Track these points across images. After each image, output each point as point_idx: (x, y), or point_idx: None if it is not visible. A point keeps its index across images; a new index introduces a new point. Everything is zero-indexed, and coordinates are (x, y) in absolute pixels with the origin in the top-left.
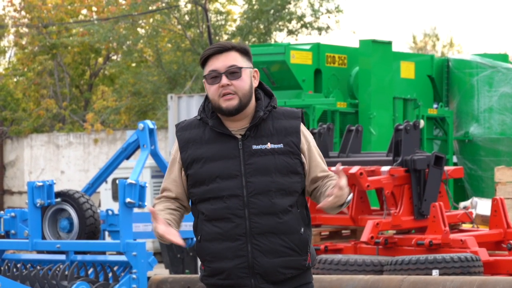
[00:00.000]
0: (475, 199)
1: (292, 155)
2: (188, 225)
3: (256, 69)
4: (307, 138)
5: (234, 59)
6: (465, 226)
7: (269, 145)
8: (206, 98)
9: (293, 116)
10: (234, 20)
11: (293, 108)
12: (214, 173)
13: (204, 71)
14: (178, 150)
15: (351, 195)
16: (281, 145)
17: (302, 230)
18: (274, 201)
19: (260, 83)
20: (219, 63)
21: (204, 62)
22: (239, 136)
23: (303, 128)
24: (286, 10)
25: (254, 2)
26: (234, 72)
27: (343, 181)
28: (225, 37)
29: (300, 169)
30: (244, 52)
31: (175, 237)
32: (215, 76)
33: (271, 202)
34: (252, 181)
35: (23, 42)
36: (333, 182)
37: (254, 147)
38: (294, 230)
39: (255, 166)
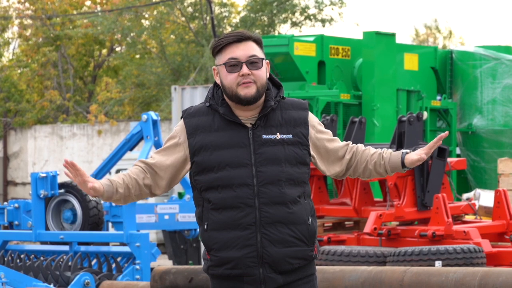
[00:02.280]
0: (478, 190)
1: (301, 145)
2: (190, 216)
3: (268, 60)
4: (317, 128)
5: (253, 48)
6: (468, 217)
7: (278, 135)
8: (215, 85)
9: (301, 107)
10: (238, 12)
11: (299, 99)
12: (223, 161)
13: (219, 59)
14: (185, 135)
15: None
16: (290, 136)
17: (310, 220)
18: (284, 191)
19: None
20: (239, 51)
21: (219, 49)
22: (249, 125)
23: (311, 117)
24: (290, 2)
25: None
26: (254, 62)
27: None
28: (229, 29)
29: (308, 160)
30: (260, 42)
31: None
32: (235, 65)
33: (281, 192)
34: (262, 170)
35: (27, 34)
36: (371, 151)
37: (264, 136)
38: (302, 220)
39: (265, 155)
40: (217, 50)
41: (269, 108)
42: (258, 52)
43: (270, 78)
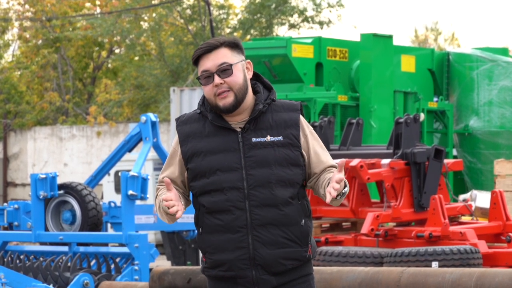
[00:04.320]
0: (475, 191)
1: (292, 147)
2: (189, 217)
3: (248, 60)
4: (305, 131)
5: (224, 56)
6: (465, 218)
7: (268, 138)
8: None
9: (292, 108)
10: (236, 14)
11: (292, 101)
12: (214, 166)
13: (198, 71)
14: (179, 143)
15: (347, 188)
16: (280, 138)
17: (303, 221)
18: (275, 193)
19: (259, 76)
20: (209, 62)
21: (196, 61)
22: (239, 129)
23: (302, 120)
24: (288, 4)
25: None
26: (225, 70)
27: (338, 176)
28: (227, 30)
29: (301, 161)
30: (234, 45)
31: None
32: (207, 76)
33: (271, 194)
34: (252, 173)
35: (27, 36)
36: (330, 175)
37: (254, 139)
38: (294, 221)
39: (255, 158)
40: (193, 63)
41: (257, 111)
42: (230, 58)
43: (261, 81)
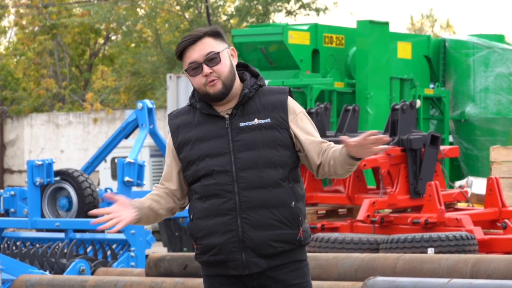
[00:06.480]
0: (471, 178)
1: (280, 128)
2: None
3: (232, 47)
4: (295, 111)
5: (209, 45)
6: (461, 205)
7: (256, 121)
8: None
9: (280, 91)
10: (233, 1)
11: (280, 86)
12: (203, 153)
13: (183, 64)
14: (171, 137)
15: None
16: (268, 120)
17: (293, 204)
18: (263, 175)
19: (247, 67)
20: (196, 53)
21: (180, 55)
22: (227, 116)
23: (291, 101)
24: None
25: None
26: (213, 59)
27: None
28: (224, 17)
29: (290, 142)
30: (216, 34)
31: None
32: (196, 68)
33: (260, 176)
34: (240, 156)
35: (24, 22)
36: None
37: (242, 124)
38: (284, 203)
39: (242, 142)
40: (177, 56)
41: (243, 96)
42: (215, 47)
43: (249, 70)
